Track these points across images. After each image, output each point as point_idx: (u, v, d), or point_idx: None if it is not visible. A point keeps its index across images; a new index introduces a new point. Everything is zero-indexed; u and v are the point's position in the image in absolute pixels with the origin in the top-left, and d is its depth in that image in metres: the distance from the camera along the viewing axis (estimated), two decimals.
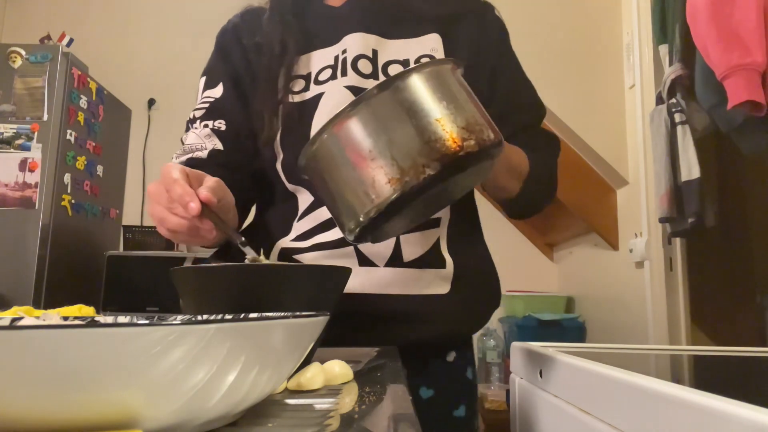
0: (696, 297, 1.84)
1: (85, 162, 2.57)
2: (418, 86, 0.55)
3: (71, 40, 2.75)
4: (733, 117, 1.41)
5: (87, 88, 2.58)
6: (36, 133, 2.35)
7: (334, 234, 0.76)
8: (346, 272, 0.60)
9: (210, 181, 0.65)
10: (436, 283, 0.78)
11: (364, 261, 0.76)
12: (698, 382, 0.65)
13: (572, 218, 2.38)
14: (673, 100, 1.65)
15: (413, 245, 0.77)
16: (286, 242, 0.80)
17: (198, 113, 0.85)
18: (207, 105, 0.85)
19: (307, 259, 0.77)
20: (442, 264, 0.79)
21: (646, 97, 1.92)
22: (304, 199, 0.80)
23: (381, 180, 0.52)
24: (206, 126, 0.83)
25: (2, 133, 2.34)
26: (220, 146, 0.82)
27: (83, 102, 2.54)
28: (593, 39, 2.13)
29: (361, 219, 0.55)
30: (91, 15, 3.30)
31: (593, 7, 2.15)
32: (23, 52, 2.41)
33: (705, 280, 1.97)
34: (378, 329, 0.76)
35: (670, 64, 1.69)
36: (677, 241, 1.81)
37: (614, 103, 2.09)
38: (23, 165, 2.32)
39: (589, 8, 2.15)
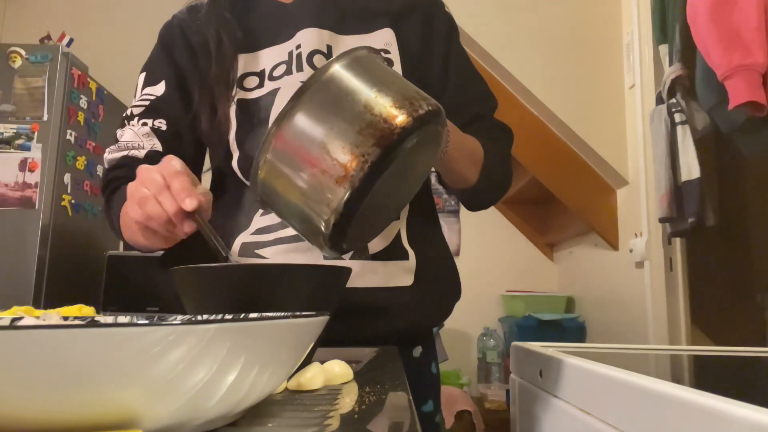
0: (696, 297, 1.84)
1: (85, 162, 2.57)
2: (338, 80, 0.53)
3: (71, 40, 2.75)
4: (734, 117, 1.41)
5: (87, 88, 2.58)
6: (36, 133, 2.35)
7: None
8: (346, 272, 0.60)
9: (203, 185, 0.63)
10: (400, 275, 0.78)
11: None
12: (698, 382, 0.65)
13: (572, 218, 2.38)
14: (673, 100, 1.65)
15: (377, 238, 0.77)
16: (246, 236, 0.79)
17: (136, 110, 0.82)
18: (147, 102, 0.83)
19: (270, 253, 0.77)
20: (404, 256, 0.79)
21: (646, 97, 1.92)
22: None
23: (329, 183, 0.51)
24: (145, 124, 0.81)
25: (2, 133, 2.34)
26: (159, 147, 0.80)
27: (83, 102, 2.54)
28: (593, 39, 2.13)
29: (323, 230, 0.53)
30: (91, 15, 3.30)
31: (593, 7, 2.15)
32: (23, 52, 2.41)
33: (705, 280, 1.97)
34: (347, 323, 0.75)
35: (670, 64, 1.69)
36: (677, 241, 1.81)
37: (614, 103, 2.09)
38: (23, 165, 2.32)
39: (589, 8, 2.15)
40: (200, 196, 0.58)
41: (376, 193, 0.54)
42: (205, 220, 0.59)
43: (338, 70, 0.54)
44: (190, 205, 0.56)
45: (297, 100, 0.52)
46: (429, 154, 0.62)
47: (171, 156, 0.61)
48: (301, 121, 0.52)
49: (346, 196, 0.51)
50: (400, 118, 0.51)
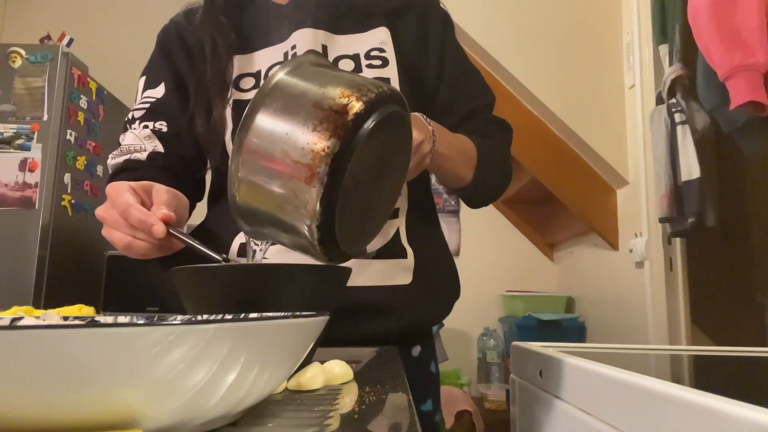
0: (696, 297, 1.84)
1: (85, 162, 2.57)
2: (285, 87, 0.54)
3: (71, 40, 2.75)
4: (735, 118, 1.41)
5: (87, 88, 2.58)
6: (36, 133, 2.35)
7: None
8: (346, 272, 0.60)
9: (161, 195, 0.64)
10: (399, 274, 0.78)
11: None
12: (698, 382, 0.65)
13: (572, 218, 2.38)
14: (673, 100, 1.65)
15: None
16: (243, 236, 0.79)
17: (137, 113, 0.83)
18: (147, 105, 0.83)
19: (268, 253, 0.77)
20: (403, 254, 0.79)
21: (646, 97, 1.92)
22: None
23: (299, 187, 0.51)
24: (146, 127, 0.82)
25: (2, 133, 2.34)
26: (160, 148, 0.81)
27: (83, 102, 2.54)
28: (593, 39, 2.13)
29: (310, 237, 0.53)
30: (91, 15, 3.30)
31: (593, 7, 2.15)
32: (23, 52, 2.41)
33: (705, 280, 1.97)
34: (345, 322, 0.75)
35: (670, 64, 1.69)
36: (677, 241, 1.81)
37: (614, 103, 2.09)
38: (23, 165, 2.32)
39: (589, 8, 2.15)
40: (160, 212, 0.60)
41: (355, 188, 0.53)
42: (181, 233, 0.61)
43: (282, 77, 0.54)
44: (158, 233, 0.59)
45: (248, 119, 0.53)
46: (401, 141, 0.62)
47: (115, 185, 0.64)
48: (258, 137, 0.52)
49: (319, 194, 0.51)
50: (350, 105, 0.52)
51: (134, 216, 0.60)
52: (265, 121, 0.53)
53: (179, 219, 0.64)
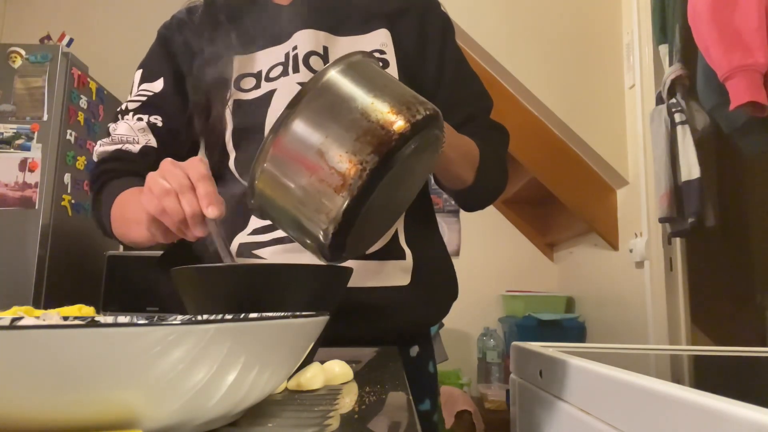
0: (696, 297, 1.84)
1: (85, 162, 2.57)
2: (334, 86, 0.53)
3: (71, 40, 2.75)
4: (735, 118, 1.41)
5: (87, 88, 2.58)
6: (36, 133, 2.35)
7: None
8: (347, 272, 0.60)
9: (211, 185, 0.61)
10: (397, 275, 0.78)
11: None
12: (698, 382, 0.65)
13: (572, 218, 2.37)
14: (673, 100, 1.65)
15: None
16: (243, 236, 0.79)
17: (132, 105, 0.82)
18: (144, 98, 0.82)
19: (268, 253, 0.77)
20: (401, 255, 0.79)
21: (646, 97, 1.92)
22: None
23: (327, 192, 0.50)
24: (140, 119, 0.80)
25: (2, 133, 2.34)
26: (153, 143, 0.79)
27: (83, 102, 2.54)
28: (593, 39, 2.13)
29: (323, 240, 0.52)
30: (91, 15, 3.30)
31: (593, 7, 2.15)
32: (23, 52, 2.41)
33: (705, 280, 1.97)
34: (344, 322, 0.75)
35: (670, 64, 1.69)
36: (677, 241, 1.81)
37: (614, 103, 2.09)
38: (23, 165, 2.32)
39: (589, 8, 2.15)
40: (222, 206, 0.57)
41: (375, 200, 0.53)
42: (218, 229, 0.58)
43: (334, 75, 0.53)
44: (212, 213, 0.55)
45: (293, 108, 0.52)
46: (427, 159, 0.61)
47: (199, 158, 0.60)
48: (298, 129, 0.52)
49: (345, 205, 0.50)
50: (398, 124, 0.51)
51: (206, 186, 0.56)
52: (308, 116, 0.52)
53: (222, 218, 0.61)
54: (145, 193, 0.59)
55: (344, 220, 0.51)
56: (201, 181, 0.57)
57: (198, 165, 0.58)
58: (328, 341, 0.58)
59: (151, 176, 0.59)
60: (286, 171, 0.52)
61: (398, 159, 0.51)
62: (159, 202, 0.57)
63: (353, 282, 0.74)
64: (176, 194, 0.56)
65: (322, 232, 0.52)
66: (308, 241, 0.55)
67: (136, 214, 0.64)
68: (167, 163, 0.59)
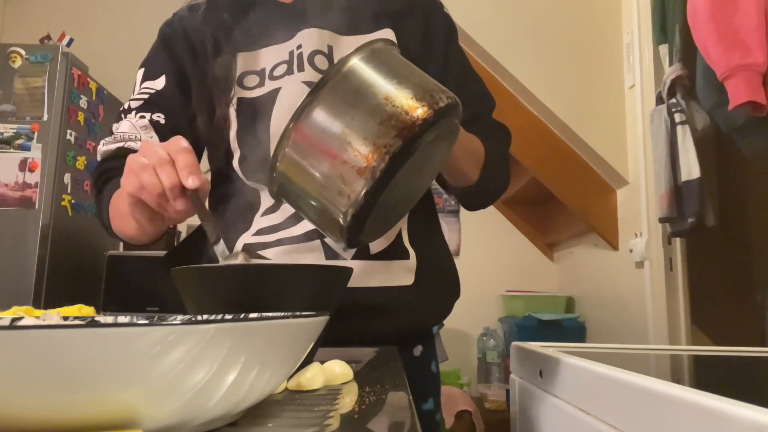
0: (696, 297, 1.84)
1: (85, 162, 2.57)
2: (357, 72, 0.54)
3: (71, 40, 2.75)
4: (734, 117, 1.41)
5: (87, 88, 2.58)
6: (36, 133, 2.35)
7: (302, 228, 0.76)
8: (347, 272, 0.60)
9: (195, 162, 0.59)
10: (401, 275, 0.79)
11: (331, 255, 0.76)
12: (698, 382, 0.65)
13: (572, 218, 2.38)
14: (673, 100, 1.65)
15: (378, 238, 0.76)
16: (248, 237, 0.78)
17: (135, 104, 0.82)
18: (146, 96, 0.82)
19: (272, 254, 0.77)
20: (405, 255, 0.79)
21: (646, 97, 1.92)
22: (267, 194, 0.78)
23: (350, 175, 0.51)
24: (143, 117, 0.80)
25: (2, 133, 2.34)
26: (156, 140, 0.79)
27: (83, 102, 2.54)
28: (593, 39, 2.13)
29: (341, 222, 0.53)
30: (91, 15, 3.30)
31: (593, 7, 2.15)
32: (23, 52, 2.41)
33: (705, 280, 1.97)
34: (347, 323, 0.75)
35: (670, 64, 1.69)
36: (677, 241, 1.81)
37: (614, 103, 2.09)
38: (23, 165, 2.32)
39: (589, 8, 2.15)
40: (203, 177, 0.56)
41: (394, 185, 0.54)
42: (201, 201, 0.58)
43: (357, 62, 0.54)
44: (192, 183, 0.54)
45: (317, 92, 0.53)
46: (444, 148, 0.63)
47: (179, 136, 0.59)
48: (322, 113, 0.53)
49: (367, 187, 0.51)
50: (421, 110, 0.52)
51: (185, 158, 0.55)
52: (331, 101, 0.53)
53: (204, 193, 0.59)
54: (125, 175, 0.58)
55: (365, 202, 0.52)
56: (180, 153, 0.56)
57: (178, 139, 0.57)
58: (333, 341, 0.58)
59: (130, 157, 0.58)
60: (308, 154, 0.53)
61: (420, 144, 0.52)
62: (137, 178, 0.56)
63: (358, 282, 0.74)
64: (154, 168, 0.55)
65: (341, 215, 0.53)
66: (326, 224, 0.56)
67: (125, 206, 0.64)
68: (146, 142, 0.59)
